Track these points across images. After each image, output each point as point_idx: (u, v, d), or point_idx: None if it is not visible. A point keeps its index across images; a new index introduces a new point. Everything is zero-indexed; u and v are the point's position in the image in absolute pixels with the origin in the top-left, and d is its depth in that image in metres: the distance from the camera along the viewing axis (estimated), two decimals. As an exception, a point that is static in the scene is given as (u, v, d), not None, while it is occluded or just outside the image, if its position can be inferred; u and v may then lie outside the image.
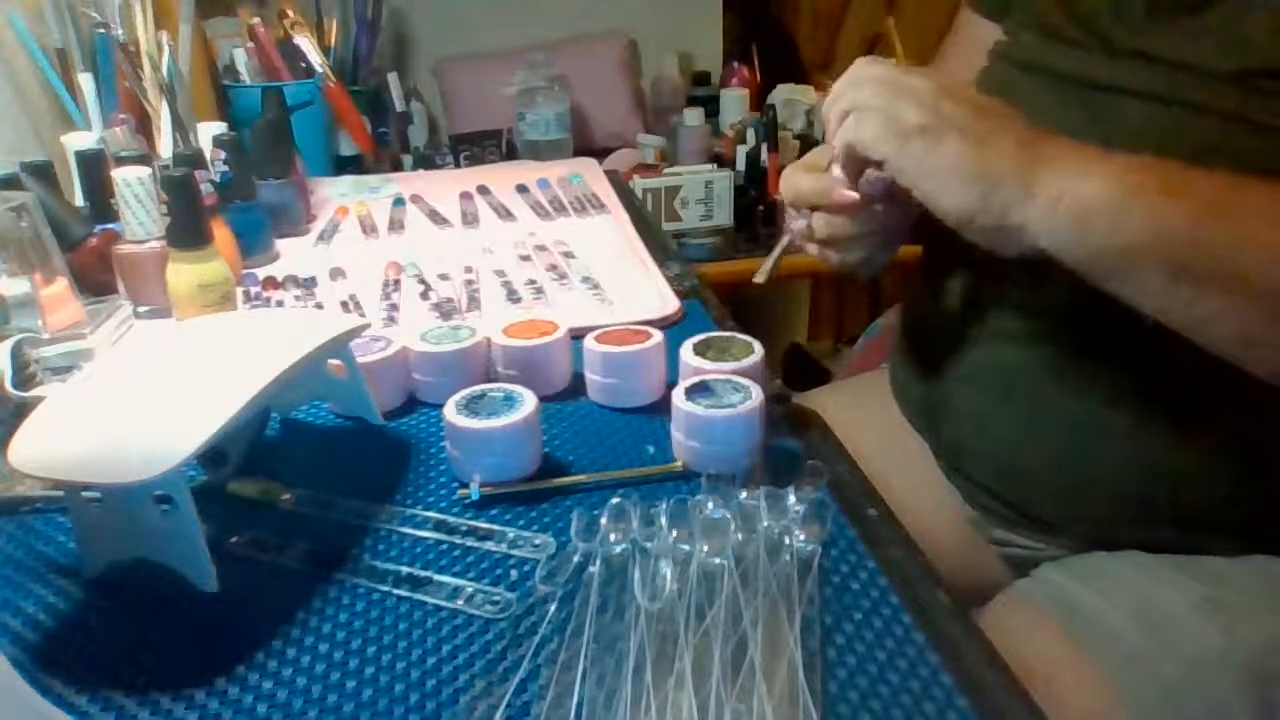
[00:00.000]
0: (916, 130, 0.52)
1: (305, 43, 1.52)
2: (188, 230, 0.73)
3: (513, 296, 0.86)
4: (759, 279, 0.66)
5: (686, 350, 0.64)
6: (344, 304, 0.85)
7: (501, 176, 1.24)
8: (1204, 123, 0.54)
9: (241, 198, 0.93)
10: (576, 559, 0.50)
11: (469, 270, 0.92)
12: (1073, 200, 0.49)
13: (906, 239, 0.65)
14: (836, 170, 0.59)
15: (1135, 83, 0.57)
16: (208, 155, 0.91)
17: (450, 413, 0.57)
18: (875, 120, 0.53)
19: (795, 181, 0.60)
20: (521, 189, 1.19)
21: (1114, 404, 0.62)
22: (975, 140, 0.51)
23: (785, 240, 0.64)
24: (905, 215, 0.62)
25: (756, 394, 0.58)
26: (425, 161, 1.70)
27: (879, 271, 0.67)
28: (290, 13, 1.55)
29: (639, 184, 1.59)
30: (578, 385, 0.69)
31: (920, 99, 0.52)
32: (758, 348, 0.64)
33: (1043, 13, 0.65)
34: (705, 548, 0.49)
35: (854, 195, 0.59)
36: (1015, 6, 0.71)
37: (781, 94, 1.89)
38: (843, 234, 0.61)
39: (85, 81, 1.12)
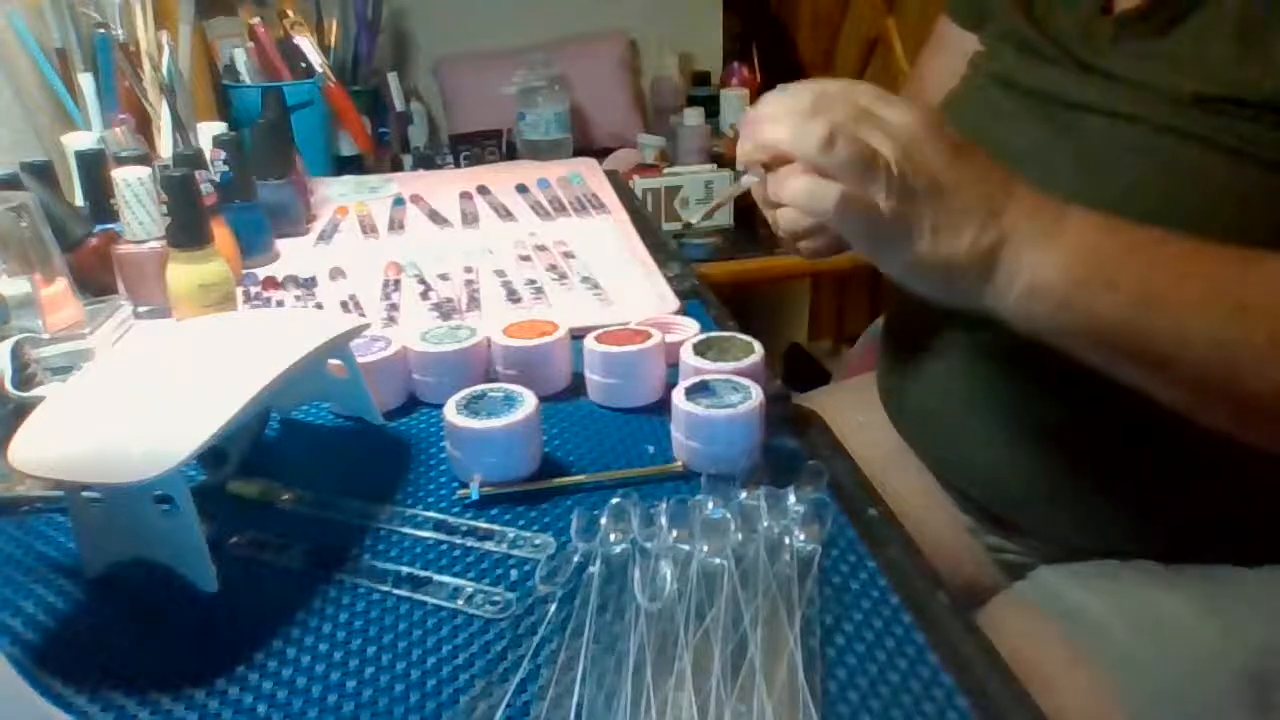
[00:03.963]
0: (890, 223, 0.49)
1: (305, 43, 1.52)
2: (188, 230, 0.73)
3: (513, 296, 0.86)
4: (693, 219, 0.64)
5: (686, 350, 0.64)
6: (344, 304, 0.85)
7: (501, 176, 1.24)
8: (1168, 142, 0.55)
9: (241, 198, 0.93)
10: (576, 559, 0.50)
11: (469, 270, 0.92)
12: (1023, 286, 0.50)
13: None
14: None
15: (1103, 101, 0.58)
16: (208, 155, 0.90)
17: (450, 413, 0.57)
18: (852, 215, 0.50)
19: (745, 145, 0.56)
20: (521, 189, 1.19)
21: (1097, 418, 0.62)
22: (943, 231, 0.50)
23: (730, 190, 0.61)
24: None
25: (756, 394, 0.58)
26: (425, 161, 1.70)
27: (827, 255, 0.69)
28: (290, 13, 1.55)
29: (639, 184, 1.60)
30: (578, 385, 0.69)
31: (890, 175, 0.48)
32: (758, 348, 0.64)
33: (1017, 28, 0.66)
34: (705, 548, 0.49)
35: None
36: (990, 20, 0.72)
37: (781, 94, 1.89)
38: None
39: (85, 81, 1.12)
